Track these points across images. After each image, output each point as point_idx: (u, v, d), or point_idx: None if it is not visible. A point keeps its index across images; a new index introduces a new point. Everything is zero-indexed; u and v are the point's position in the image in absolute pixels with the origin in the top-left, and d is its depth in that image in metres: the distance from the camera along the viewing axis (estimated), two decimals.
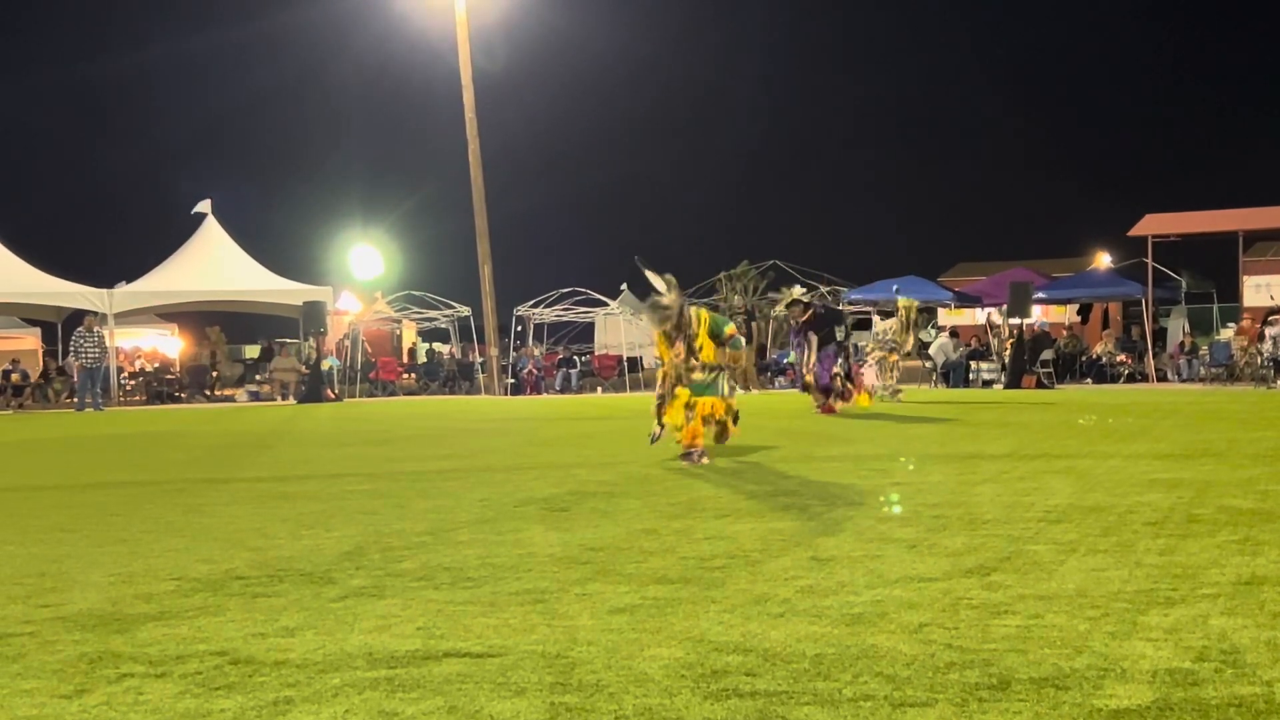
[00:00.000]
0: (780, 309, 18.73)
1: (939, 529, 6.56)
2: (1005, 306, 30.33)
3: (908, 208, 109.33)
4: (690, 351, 10.83)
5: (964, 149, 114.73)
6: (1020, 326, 28.81)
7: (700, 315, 11.05)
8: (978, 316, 36.01)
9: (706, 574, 5.48)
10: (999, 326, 32.27)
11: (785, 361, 33.61)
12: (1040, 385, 27.35)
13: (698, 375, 10.88)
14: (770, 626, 4.46)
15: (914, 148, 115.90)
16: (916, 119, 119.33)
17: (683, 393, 10.85)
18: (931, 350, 30.47)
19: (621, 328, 37.21)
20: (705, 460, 10.55)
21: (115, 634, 4.62)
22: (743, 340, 12.00)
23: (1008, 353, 29.06)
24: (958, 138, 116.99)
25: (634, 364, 36.02)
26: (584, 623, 4.61)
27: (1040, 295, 31.73)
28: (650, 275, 10.88)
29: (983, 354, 30.52)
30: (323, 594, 5.28)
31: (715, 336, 10.96)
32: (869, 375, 20.27)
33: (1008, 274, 34.46)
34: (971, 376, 29.18)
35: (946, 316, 38.91)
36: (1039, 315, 33.30)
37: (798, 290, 18.45)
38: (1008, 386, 27.47)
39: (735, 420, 11.37)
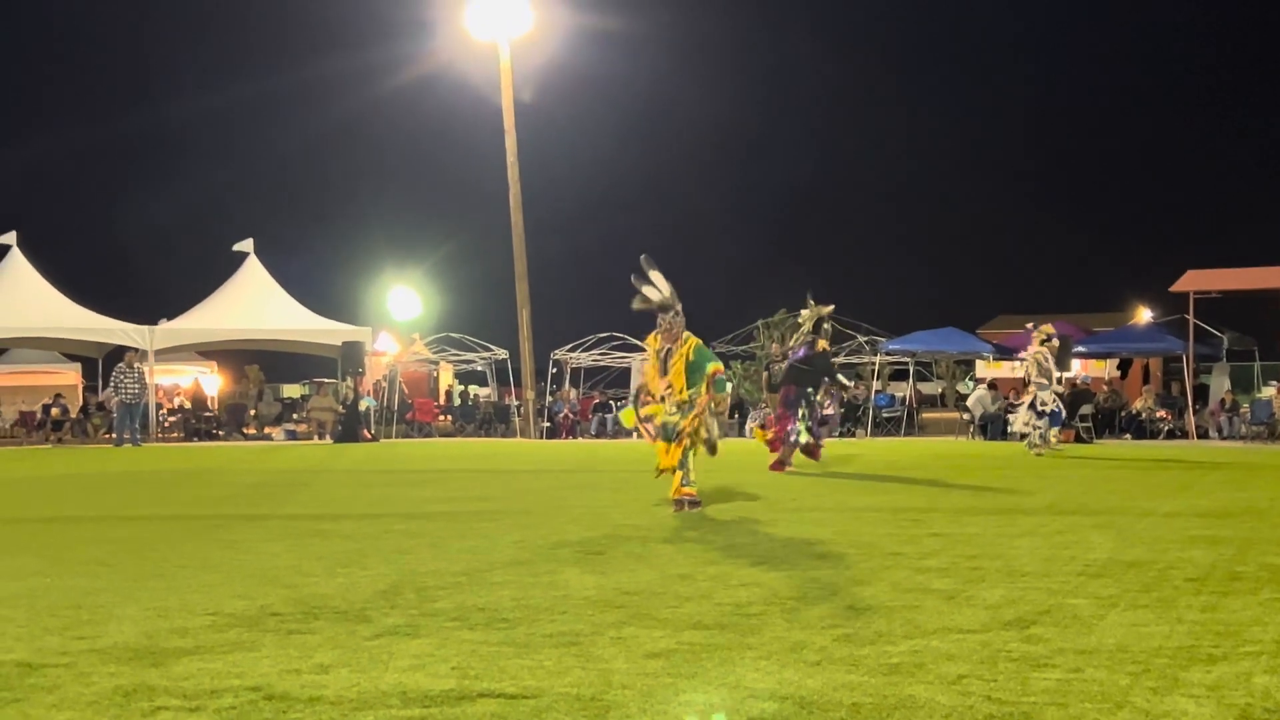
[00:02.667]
0: (806, 325, 16.81)
1: (977, 580, 6.50)
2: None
3: (947, 259, 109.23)
4: (664, 374, 10.77)
5: (1005, 201, 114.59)
6: (1060, 380, 28.61)
7: (690, 340, 10.85)
8: (1017, 369, 35.79)
9: (742, 620, 5.44)
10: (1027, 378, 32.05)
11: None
12: (1079, 439, 27.14)
13: (670, 415, 10.73)
14: (806, 674, 4.43)
15: (955, 200, 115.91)
16: (958, 171, 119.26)
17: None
18: (969, 402, 30.29)
19: None
20: (692, 509, 10.46)
21: (150, 667, 4.63)
22: (728, 384, 11.72)
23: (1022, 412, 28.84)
24: (999, 190, 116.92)
25: None
26: (619, 666, 4.58)
27: (1080, 349, 31.52)
28: (654, 275, 10.91)
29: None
30: (357, 632, 5.28)
31: (697, 368, 10.67)
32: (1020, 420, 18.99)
33: None
34: (1009, 430, 28.97)
35: (985, 369, 38.71)
36: (1079, 369, 33.08)
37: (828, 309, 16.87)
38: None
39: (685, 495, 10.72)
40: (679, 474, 10.67)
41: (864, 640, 5.00)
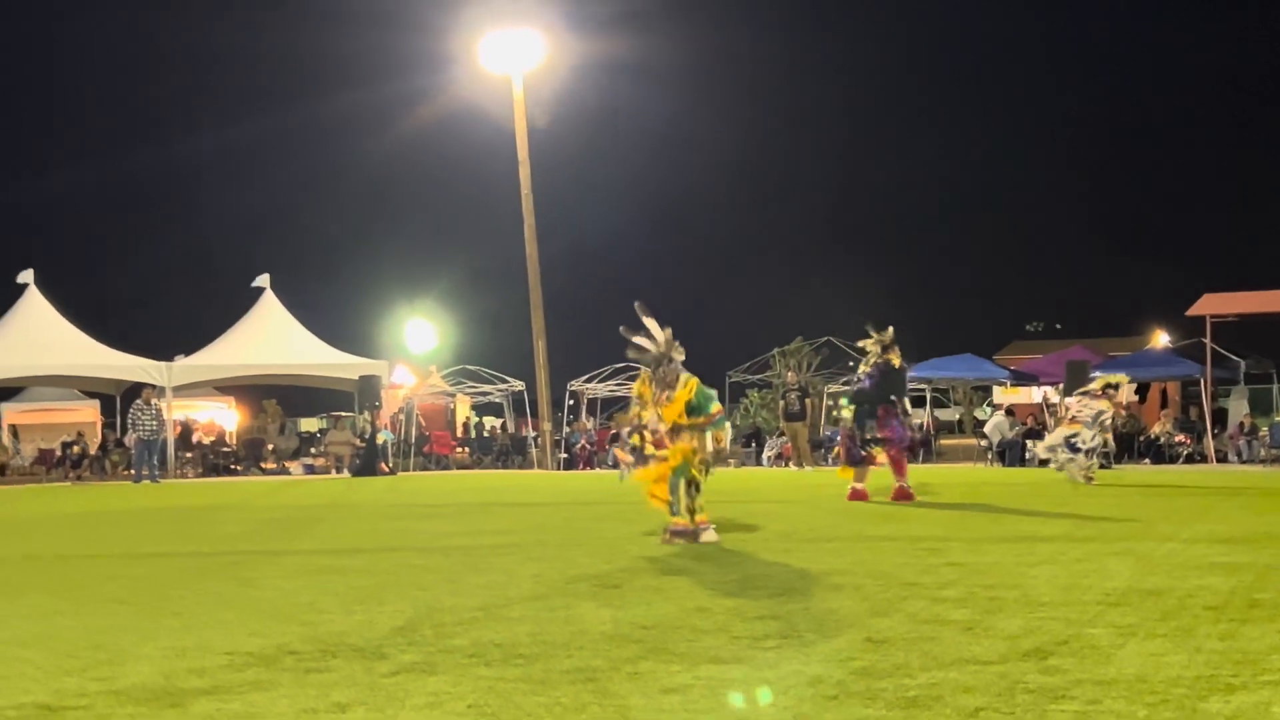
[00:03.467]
0: (873, 350, 16.19)
1: (995, 610, 6.48)
2: (1062, 385, 30.10)
3: (962, 285, 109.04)
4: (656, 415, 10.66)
5: (1020, 227, 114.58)
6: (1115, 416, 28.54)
7: (690, 382, 10.72)
8: (1034, 395, 35.73)
9: (760, 654, 5.44)
10: (1055, 405, 32.00)
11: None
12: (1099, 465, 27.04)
13: (656, 451, 10.67)
14: (824, 709, 4.42)
15: (969, 226, 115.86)
16: (972, 198, 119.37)
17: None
18: (987, 429, 30.23)
19: None
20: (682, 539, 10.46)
21: (169, 708, 4.64)
22: (727, 424, 11.56)
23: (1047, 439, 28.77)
24: (1014, 215, 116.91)
25: None
26: (635, 703, 4.58)
27: (1097, 374, 31.46)
28: (648, 322, 10.81)
29: (1039, 433, 30.22)
30: (374, 669, 5.28)
31: (695, 409, 10.62)
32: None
33: (1065, 352, 34.24)
34: (1027, 456, 28.88)
35: (1002, 395, 38.67)
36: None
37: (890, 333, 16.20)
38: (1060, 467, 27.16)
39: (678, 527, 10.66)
40: (677, 505, 10.62)
41: (881, 673, 4.99)
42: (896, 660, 5.23)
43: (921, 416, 34.46)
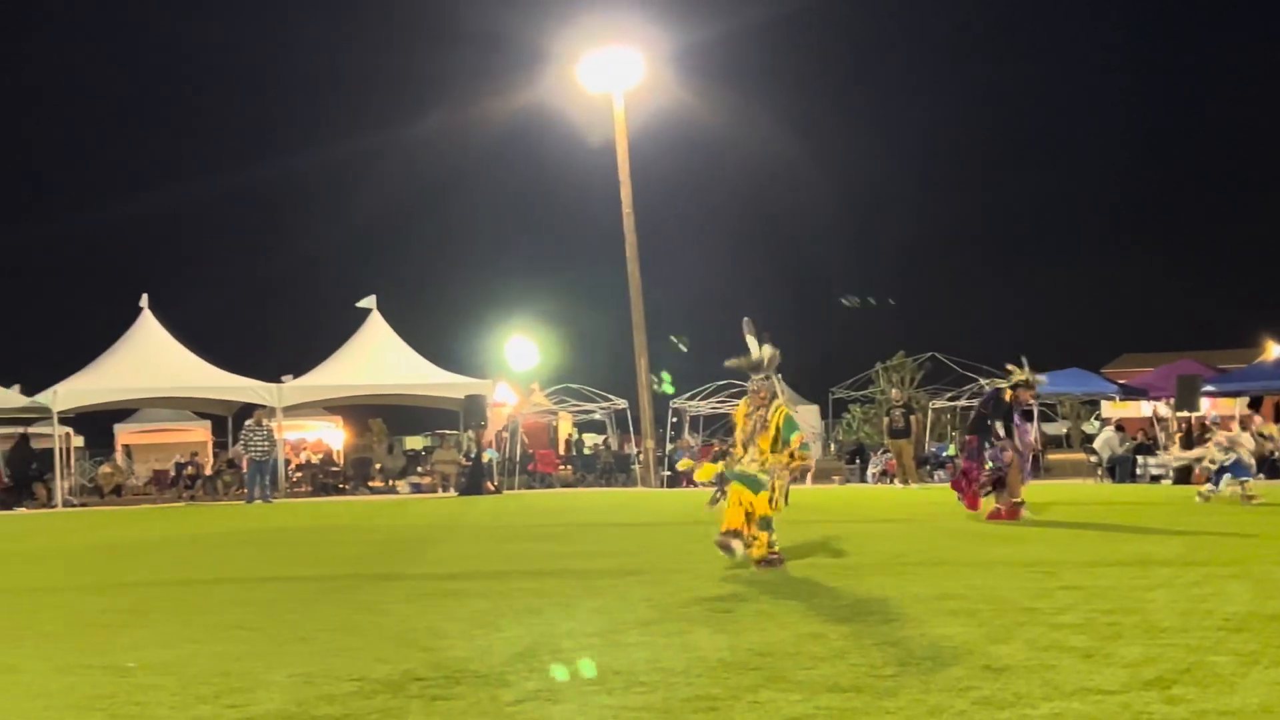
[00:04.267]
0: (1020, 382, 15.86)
1: (1114, 637, 6.44)
2: (1173, 400, 29.67)
3: (1070, 298, 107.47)
4: (751, 439, 10.79)
5: (1127, 239, 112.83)
6: (1189, 420, 28.11)
7: (781, 410, 10.88)
8: (1143, 409, 35.19)
9: (878, 682, 5.46)
10: (1166, 420, 31.53)
11: (944, 455, 33.16)
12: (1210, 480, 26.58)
13: (749, 466, 10.74)
14: None
15: (1076, 237, 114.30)
16: (1078, 208, 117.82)
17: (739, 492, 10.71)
18: (1097, 444, 29.84)
19: None
20: (776, 567, 10.43)
21: None
22: (811, 446, 11.65)
23: (1176, 447, 28.33)
24: (1121, 227, 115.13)
25: None
26: None
27: (1209, 388, 30.93)
28: (751, 340, 10.99)
29: (1150, 449, 29.80)
30: (498, 697, 5.38)
31: (784, 439, 10.71)
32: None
33: (1175, 366, 33.68)
34: (1139, 472, 28.48)
35: (1111, 409, 38.13)
36: (1208, 408, 32.42)
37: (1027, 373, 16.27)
38: (1176, 482, 26.74)
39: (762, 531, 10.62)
40: (764, 538, 10.64)
41: (1003, 703, 4.99)
42: (1018, 689, 5.23)
43: (1029, 432, 34.11)
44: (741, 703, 5.13)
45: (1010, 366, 16.52)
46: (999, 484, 15.62)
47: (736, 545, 10.50)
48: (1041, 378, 16.42)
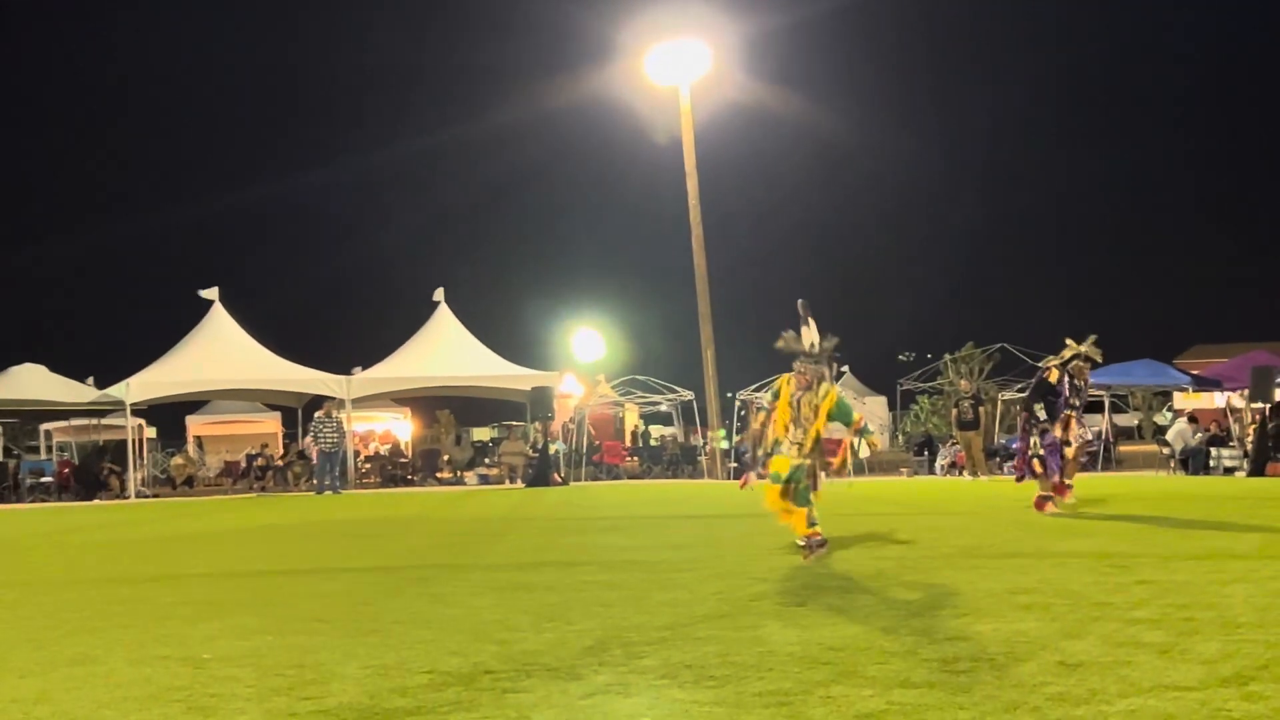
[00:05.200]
0: (1071, 355, 15.35)
1: (1190, 633, 6.36)
2: (1247, 390, 29.27)
3: (1142, 287, 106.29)
4: (795, 422, 10.80)
5: (1200, 227, 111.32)
6: (1264, 411, 27.73)
7: (831, 392, 10.86)
8: (1217, 400, 34.79)
9: (951, 678, 5.41)
10: (1240, 411, 31.12)
11: (1014, 447, 32.89)
12: None
13: (789, 453, 10.77)
14: None
15: (1148, 226, 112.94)
16: (1151, 197, 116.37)
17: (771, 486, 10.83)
18: (1169, 436, 29.52)
19: None
20: (819, 551, 10.56)
21: None
22: (871, 428, 11.62)
23: (1250, 439, 27.97)
24: (1194, 216, 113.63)
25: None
26: None
27: None
28: (807, 324, 10.89)
29: (1223, 440, 29.44)
30: (570, 690, 5.39)
31: (840, 418, 10.78)
32: None
33: (1249, 356, 33.23)
34: (1212, 464, 28.15)
35: (1184, 401, 37.69)
36: None
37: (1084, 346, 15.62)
38: (1251, 474, 26.41)
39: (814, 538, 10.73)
40: (803, 513, 10.73)
41: (1078, 699, 4.94)
42: (1093, 685, 5.18)
43: (1100, 423, 33.79)
44: (813, 698, 5.11)
45: (1068, 340, 15.80)
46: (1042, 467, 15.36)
47: (820, 552, 10.59)
48: (1090, 341, 15.65)
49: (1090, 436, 15.67)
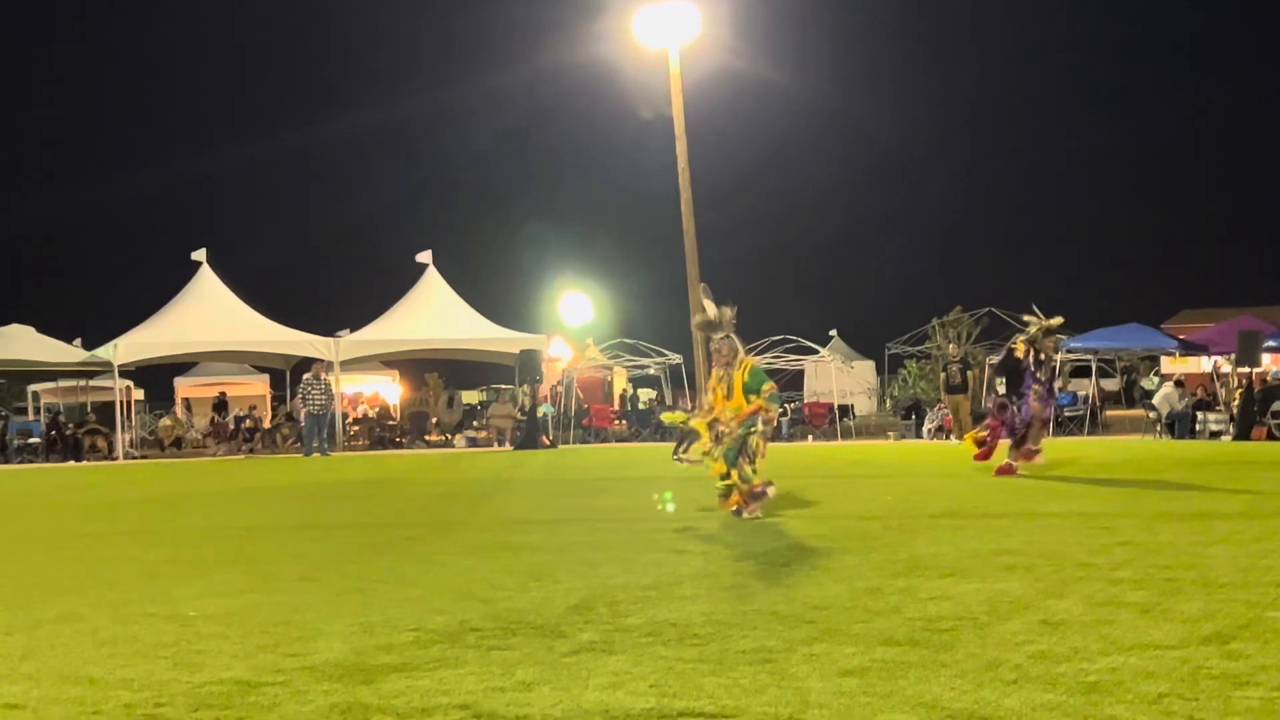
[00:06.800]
0: (1036, 332, 15.50)
1: (1172, 593, 6.40)
2: (1233, 355, 29.33)
3: (1129, 253, 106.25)
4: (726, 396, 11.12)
5: (1187, 193, 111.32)
6: (1250, 376, 27.80)
7: (746, 362, 11.22)
8: (1204, 365, 34.86)
9: (934, 636, 5.45)
10: (1227, 376, 31.19)
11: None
12: (1271, 437, 26.30)
13: (727, 432, 11.08)
14: (1004, 694, 4.43)
15: (1134, 191, 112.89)
16: (1135, 163, 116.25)
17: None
18: (1155, 400, 29.58)
19: (833, 375, 37.05)
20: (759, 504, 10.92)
21: (361, 685, 4.82)
22: (779, 397, 11.90)
23: (1236, 403, 28.05)
24: (1180, 181, 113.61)
25: (845, 411, 35.85)
26: (814, 685, 4.63)
27: (1271, 344, 30.56)
28: (707, 304, 11.33)
29: (1209, 404, 29.52)
30: (554, 648, 5.41)
31: (751, 390, 11.03)
32: None
33: (1236, 321, 33.29)
34: (1198, 428, 28.23)
35: (1171, 365, 37.79)
36: (1269, 364, 32.07)
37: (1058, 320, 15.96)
38: (1237, 438, 26.50)
39: (750, 490, 11.09)
40: (735, 481, 11.06)
41: (1059, 657, 4.97)
42: (1074, 644, 5.21)
43: (1087, 388, 33.86)
44: (797, 655, 5.14)
45: (1027, 316, 16.02)
46: (1019, 440, 15.52)
47: (770, 491, 11.01)
48: (1057, 319, 15.79)
49: (1047, 414, 15.70)
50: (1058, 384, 16.26)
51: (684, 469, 12.35)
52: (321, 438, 30.41)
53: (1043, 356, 15.80)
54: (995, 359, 37.15)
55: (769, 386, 11.20)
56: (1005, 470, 15.32)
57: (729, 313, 11.30)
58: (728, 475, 11.07)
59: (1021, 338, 15.93)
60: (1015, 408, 15.43)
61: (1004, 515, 10.73)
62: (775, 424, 11.20)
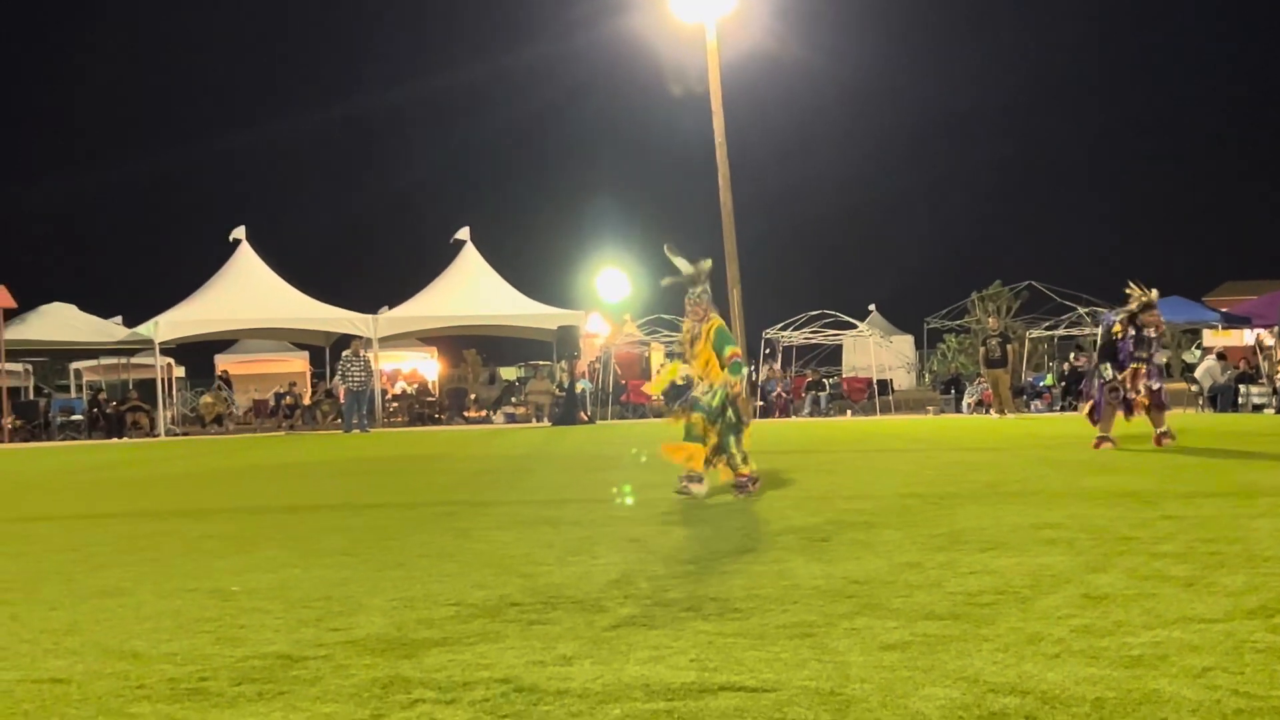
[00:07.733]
0: (1136, 307, 15.25)
1: (1216, 566, 6.35)
2: (1277, 328, 29.09)
3: (1171, 224, 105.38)
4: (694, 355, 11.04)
5: (1230, 163, 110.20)
6: None
7: (714, 322, 11.03)
8: (1246, 338, 34.60)
9: (976, 610, 5.42)
10: (1270, 349, 30.94)
11: (1041, 385, 32.81)
12: None
13: (701, 393, 10.99)
14: (1046, 667, 4.40)
15: (1178, 163, 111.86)
16: (1179, 134, 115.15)
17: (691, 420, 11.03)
18: (1198, 373, 29.39)
19: (871, 349, 36.98)
20: (697, 488, 10.79)
21: (403, 659, 4.83)
22: (743, 367, 11.55)
23: (1279, 376, 27.84)
24: (1224, 152, 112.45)
25: (884, 386, 35.74)
26: (855, 659, 4.62)
27: None
28: (678, 262, 11.14)
29: (1252, 378, 29.28)
30: (595, 622, 5.41)
31: (716, 350, 10.87)
32: None
33: (1279, 293, 33.02)
34: (1240, 401, 28.02)
35: (1213, 338, 37.51)
36: None
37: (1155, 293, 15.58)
38: (1279, 411, 26.31)
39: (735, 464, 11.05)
40: (729, 458, 10.99)
41: (1102, 631, 4.94)
42: (1117, 618, 5.17)
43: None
44: (837, 630, 5.12)
45: (1129, 289, 15.67)
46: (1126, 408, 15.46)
47: (697, 489, 10.77)
48: (1154, 292, 15.54)
49: (1157, 386, 15.51)
50: (1160, 358, 15.98)
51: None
52: (361, 414, 30.56)
53: (1147, 333, 15.60)
54: (1034, 332, 36.91)
55: (731, 351, 10.92)
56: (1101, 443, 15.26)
57: (706, 264, 11.16)
58: (720, 447, 10.96)
59: (1123, 313, 15.71)
60: (1120, 387, 15.29)
61: (1044, 490, 10.66)
62: (742, 395, 10.98)
